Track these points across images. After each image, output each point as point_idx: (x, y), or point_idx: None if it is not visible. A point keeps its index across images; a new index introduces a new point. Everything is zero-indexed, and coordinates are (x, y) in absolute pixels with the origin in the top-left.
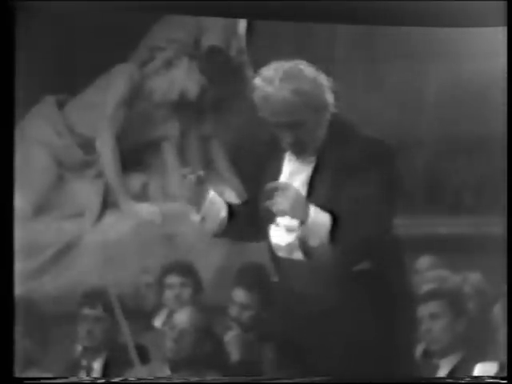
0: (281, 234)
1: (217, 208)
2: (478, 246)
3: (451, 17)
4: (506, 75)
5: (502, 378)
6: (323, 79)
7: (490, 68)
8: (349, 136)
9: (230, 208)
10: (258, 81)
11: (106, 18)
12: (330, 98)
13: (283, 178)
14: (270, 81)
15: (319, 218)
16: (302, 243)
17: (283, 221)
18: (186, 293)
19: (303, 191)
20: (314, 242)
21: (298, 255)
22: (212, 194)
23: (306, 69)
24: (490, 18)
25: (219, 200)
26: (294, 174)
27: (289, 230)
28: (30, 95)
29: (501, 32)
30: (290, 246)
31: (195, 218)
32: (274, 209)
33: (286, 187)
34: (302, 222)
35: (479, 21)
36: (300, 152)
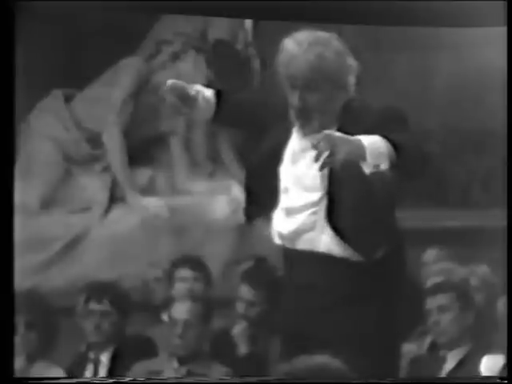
0: (283, 220)
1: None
2: (485, 238)
3: (451, 17)
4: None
5: (502, 378)
6: (351, 60)
7: (493, 66)
8: (364, 120)
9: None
10: (288, 42)
11: (109, 15)
12: (351, 79)
13: (289, 154)
14: (300, 43)
15: (372, 140)
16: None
17: (283, 203)
18: (199, 287)
19: (313, 170)
20: (384, 165)
21: (300, 244)
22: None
23: (337, 42)
24: (490, 18)
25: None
26: (303, 151)
27: (289, 213)
28: (35, 91)
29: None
30: (292, 234)
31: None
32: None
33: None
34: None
35: (479, 21)
36: (304, 120)
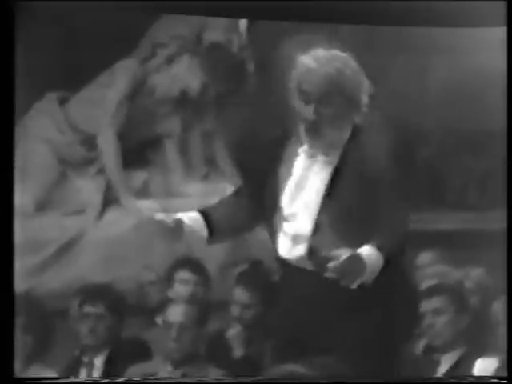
0: (289, 245)
1: None
2: (480, 241)
3: (451, 17)
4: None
5: (502, 378)
6: (365, 80)
7: (491, 67)
8: (376, 141)
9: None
10: (305, 58)
11: (107, 16)
12: (365, 98)
13: (296, 173)
14: (317, 59)
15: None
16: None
17: (290, 229)
18: (199, 290)
19: (321, 190)
20: (370, 278)
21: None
22: None
23: (353, 62)
24: (490, 18)
25: None
26: (311, 170)
27: (295, 240)
28: (31, 92)
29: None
30: (299, 260)
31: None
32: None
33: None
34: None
35: (479, 21)
36: (314, 135)
